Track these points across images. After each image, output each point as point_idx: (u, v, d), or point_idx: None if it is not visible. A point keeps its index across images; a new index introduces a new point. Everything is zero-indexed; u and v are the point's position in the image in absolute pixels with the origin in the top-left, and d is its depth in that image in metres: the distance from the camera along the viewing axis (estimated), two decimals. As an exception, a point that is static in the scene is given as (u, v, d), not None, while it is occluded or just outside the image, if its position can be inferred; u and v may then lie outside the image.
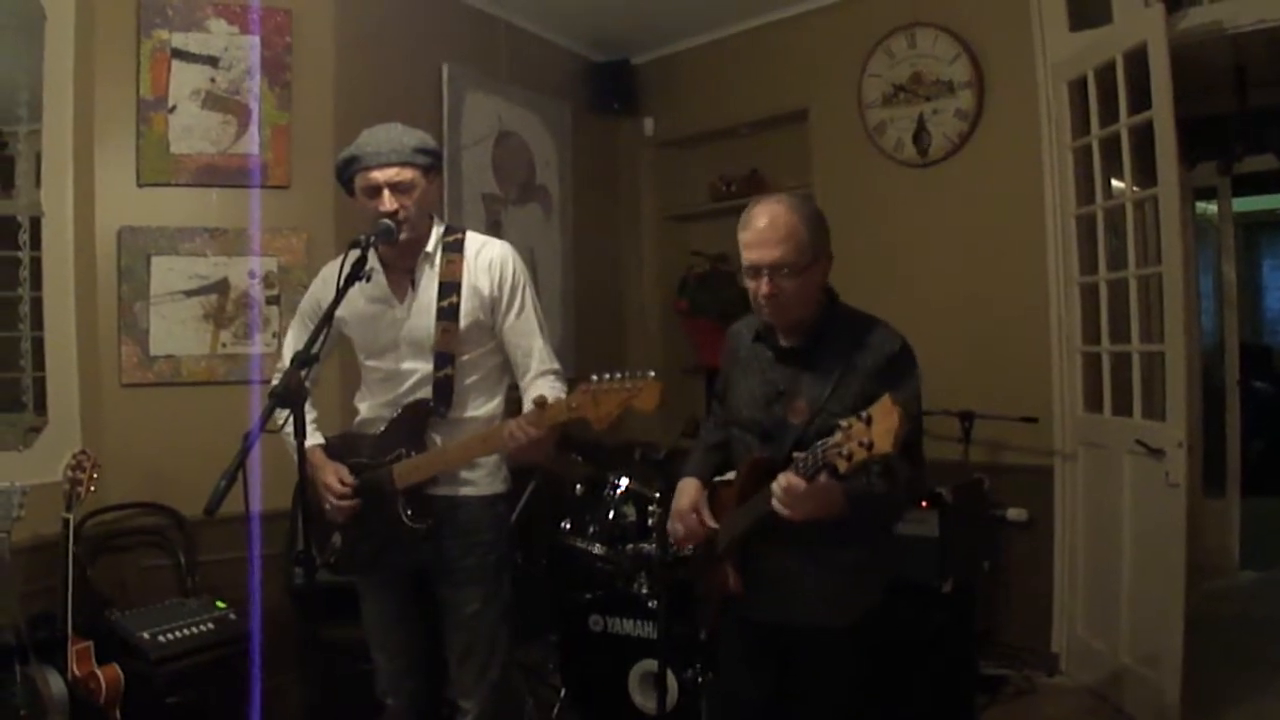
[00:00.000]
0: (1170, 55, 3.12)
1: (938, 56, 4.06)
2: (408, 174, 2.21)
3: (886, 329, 2.03)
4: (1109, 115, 3.47)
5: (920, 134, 4.13)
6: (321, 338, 2.02)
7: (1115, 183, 3.67)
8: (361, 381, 2.46)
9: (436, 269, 2.31)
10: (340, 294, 2.07)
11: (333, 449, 2.39)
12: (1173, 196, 3.17)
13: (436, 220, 2.36)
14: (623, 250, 5.33)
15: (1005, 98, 3.93)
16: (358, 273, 2.09)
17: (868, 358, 1.95)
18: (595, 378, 1.98)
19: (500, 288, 2.32)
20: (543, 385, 2.30)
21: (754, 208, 2.00)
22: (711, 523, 2.12)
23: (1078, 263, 3.73)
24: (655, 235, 5.31)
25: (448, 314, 2.28)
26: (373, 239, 2.14)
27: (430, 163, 2.27)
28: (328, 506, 2.31)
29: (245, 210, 3.46)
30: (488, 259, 2.33)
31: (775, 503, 1.74)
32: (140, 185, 3.34)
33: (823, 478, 1.69)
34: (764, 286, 1.95)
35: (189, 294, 3.39)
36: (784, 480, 1.72)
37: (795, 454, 1.75)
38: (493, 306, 2.32)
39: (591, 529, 3.43)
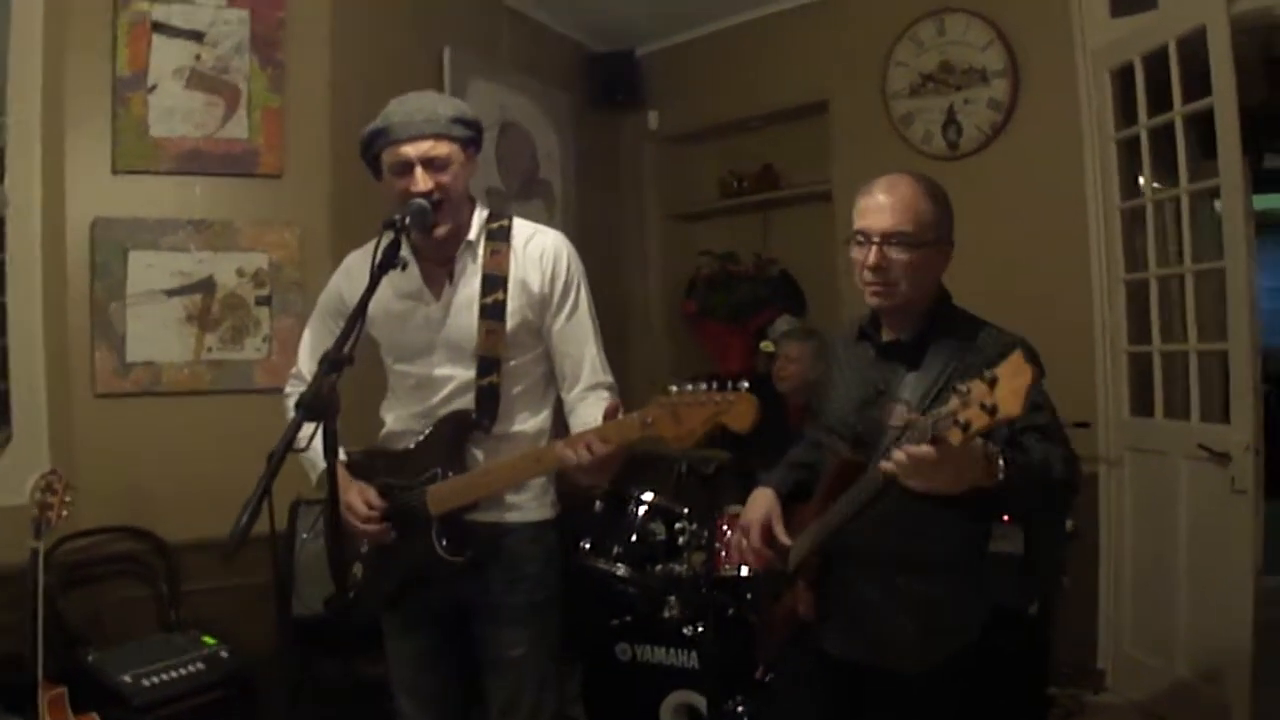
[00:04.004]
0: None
1: (969, 43, 3.89)
2: (444, 148, 1.92)
3: (1003, 330, 1.84)
4: (1155, 104, 3.33)
5: (950, 125, 3.95)
6: (354, 336, 1.70)
7: (1144, 178, 3.56)
8: (388, 389, 2.17)
9: (479, 260, 2.02)
10: (374, 281, 1.76)
11: (356, 466, 2.08)
12: (1236, 187, 3.06)
13: (479, 204, 2.08)
14: (626, 250, 5.13)
15: (1041, 87, 3.76)
16: (392, 258, 1.79)
17: (980, 358, 1.70)
18: (675, 388, 1.69)
19: (552, 284, 2.04)
20: (594, 401, 2.01)
21: (877, 179, 1.83)
22: (785, 539, 1.89)
23: (1122, 260, 3.57)
24: (660, 234, 5.12)
25: (492, 312, 1.99)
26: (407, 219, 1.84)
27: (470, 135, 1.99)
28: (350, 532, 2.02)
29: (232, 201, 3.21)
30: (539, 249, 2.05)
31: (900, 473, 1.44)
32: (116, 172, 3.07)
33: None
34: (871, 256, 1.76)
35: (170, 293, 3.13)
36: (907, 449, 1.40)
37: (907, 417, 1.47)
38: (542, 305, 2.04)
39: (615, 549, 3.17)
